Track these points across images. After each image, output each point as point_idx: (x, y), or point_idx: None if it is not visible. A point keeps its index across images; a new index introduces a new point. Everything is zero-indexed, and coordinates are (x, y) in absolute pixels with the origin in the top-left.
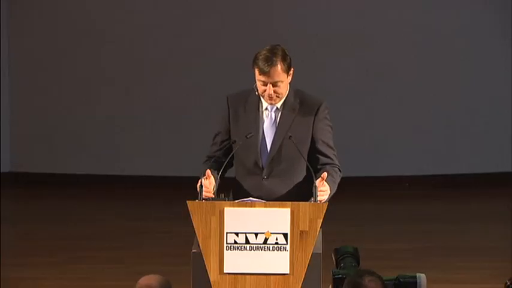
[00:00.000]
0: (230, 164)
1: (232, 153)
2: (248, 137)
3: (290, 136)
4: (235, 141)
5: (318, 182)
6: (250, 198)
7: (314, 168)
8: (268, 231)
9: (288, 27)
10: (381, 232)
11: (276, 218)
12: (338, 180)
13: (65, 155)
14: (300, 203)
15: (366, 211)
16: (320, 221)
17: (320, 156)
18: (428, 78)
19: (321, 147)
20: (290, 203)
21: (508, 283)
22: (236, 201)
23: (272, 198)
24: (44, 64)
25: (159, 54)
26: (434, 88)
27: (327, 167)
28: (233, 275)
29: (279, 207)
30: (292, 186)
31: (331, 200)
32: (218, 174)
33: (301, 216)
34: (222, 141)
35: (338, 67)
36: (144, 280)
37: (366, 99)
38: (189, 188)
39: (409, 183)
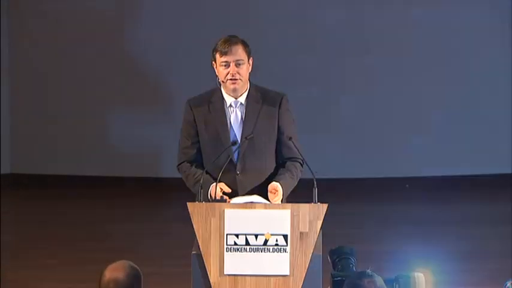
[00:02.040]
0: (202, 166)
1: (219, 154)
2: (248, 138)
3: (290, 138)
4: (235, 142)
5: (270, 197)
6: (252, 200)
7: (281, 160)
8: (268, 233)
9: (288, 26)
10: (381, 233)
11: (276, 220)
12: (299, 174)
13: (65, 156)
14: (300, 204)
15: (366, 212)
16: (320, 222)
17: (284, 149)
18: (428, 80)
19: (285, 140)
20: (290, 204)
21: (508, 284)
22: (237, 203)
23: (246, 192)
24: (43, 66)
25: (159, 56)
26: (434, 89)
27: (288, 162)
28: (233, 277)
29: (279, 208)
30: (264, 179)
31: (332, 201)
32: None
33: (301, 217)
34: (193, 144)
35: (338, 67)
36: (110, 272)
37: (366, 101)
38: (189, 189)
39: (409, 185)
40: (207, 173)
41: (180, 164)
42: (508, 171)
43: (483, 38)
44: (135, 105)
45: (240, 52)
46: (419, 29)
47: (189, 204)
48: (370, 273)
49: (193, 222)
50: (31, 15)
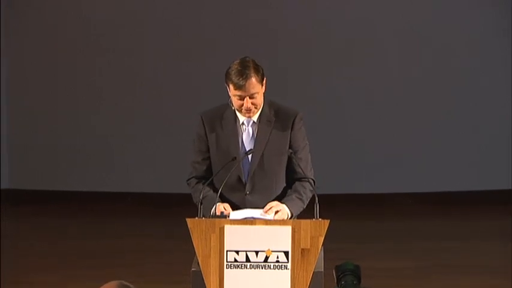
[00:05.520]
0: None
1: (218, 172)
2: (248, 153)
3: (291, 152)
4: (235, 157)
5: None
6: (253, 215)
7: (290, 181)
8: (269, 249)
9: (286, 34)
10: (382, 250)
11: (277, 236)
12: (308, 194)
13: (65, 172)
14: (301, 220)
15: (368, 228)
16: (321, 239)
17: (294, 169)
18: (429, 94)
19: (295, 160)
20: (291, 220)
21: None
22: (237, 218)
23: None
24: (44, 81)
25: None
26: (435, 104)
27: (296, 183)
28: None
29: (280, 224)
30: (273, 199)
31: (333, 217)
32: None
33: (303, 233)
34: (204, 160)
35: (337, 79)
36: None
37: (367, 116)
38: (189, 205)
39: (412, 201)
40: (214, 191)
41: (189, 179)
42: (508, 187)
43: (488, 48)
44: (138, 119)
45: (253, 85)
46: (420, 35)
47: (188, 221)
48: None
49: (192, 239)
50: (31, 28)
